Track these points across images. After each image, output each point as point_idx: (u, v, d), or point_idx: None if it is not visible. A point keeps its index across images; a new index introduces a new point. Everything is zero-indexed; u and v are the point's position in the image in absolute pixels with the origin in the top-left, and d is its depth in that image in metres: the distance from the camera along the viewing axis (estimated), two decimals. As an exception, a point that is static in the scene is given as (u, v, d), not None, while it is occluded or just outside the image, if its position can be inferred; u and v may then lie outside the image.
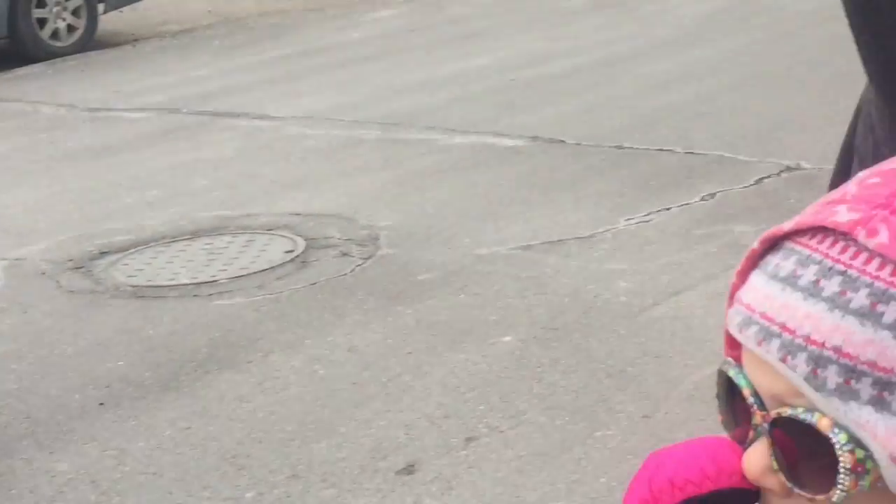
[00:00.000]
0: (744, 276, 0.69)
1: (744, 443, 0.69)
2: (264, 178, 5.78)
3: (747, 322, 0.67)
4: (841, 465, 0.62)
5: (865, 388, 0.62)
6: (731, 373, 0.70)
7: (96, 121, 7.18)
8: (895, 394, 0.62)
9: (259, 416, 3.56)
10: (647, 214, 4.85)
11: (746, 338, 0.67)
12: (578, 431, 3.18)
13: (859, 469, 0.62)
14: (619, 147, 5.83)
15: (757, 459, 0.68)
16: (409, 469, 3.11)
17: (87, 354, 3.95)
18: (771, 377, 0.66)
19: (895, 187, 0.65)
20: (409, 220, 5.04)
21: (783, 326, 0.64)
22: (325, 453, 3.24)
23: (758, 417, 0.67)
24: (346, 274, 4.40)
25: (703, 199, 5.02)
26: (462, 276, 4.41)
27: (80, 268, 4.77)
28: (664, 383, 3.42)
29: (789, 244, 0.66)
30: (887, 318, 0.61)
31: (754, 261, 0.69)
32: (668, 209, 4.86)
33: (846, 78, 6.86)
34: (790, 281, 0.64)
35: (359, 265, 4.49)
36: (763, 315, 0.65)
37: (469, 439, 3.23)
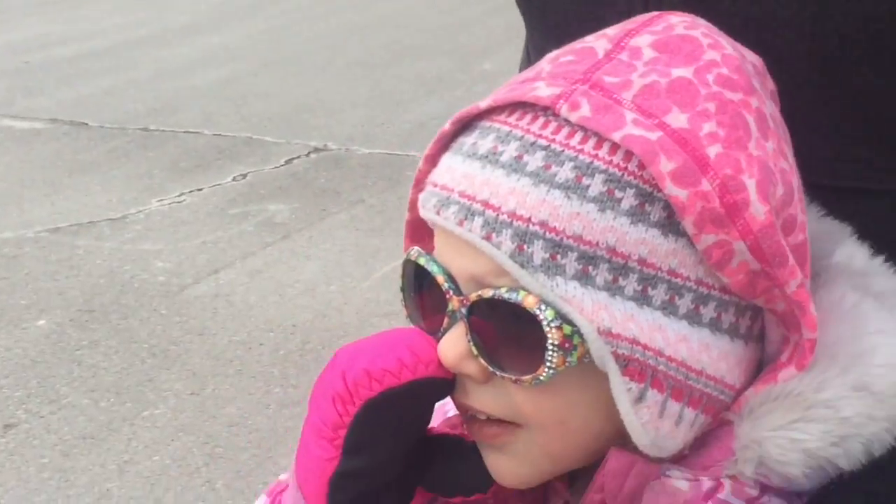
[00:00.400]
0: (433, 160, 0.66)
1: (436, 333, 0.66)
2: None
3: (445, 202, 0.63)
4: (549, 341, 0.60)
5: (571, 263, 0.60)
6: (422, 260, 0.66)
7: None
8: (599, 268, 0.60)
9: None
10: (180, 195, 4.87)
11: (445, 219, 0.63)
12: (125, 412, 3.12)
13: (567, 345, 0.60)
14: (146, 129, 5.80)
15: (453, 345, 0.64)
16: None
17: None
18: (471, 258, 0.63)
19: (590, 63, 0.63)
20: None
21: (486, 203, 0.61)
22: None
23: (455, 303, 0.63)
24: None
25: (234, 179, 5.14)
26: None
27: None
28: (210, 360, 3.44)
29: (486, 123, 0.64)
30: (592, 191, 0.60)
31: (445, 143, 0.66)
32: (200, 190, 4.92)
33: (364, 64, 7.23)
34: (491, 158, 0.62)
35: None
36: (462, 194, 0.62)
37: (7, 426, 3.05)
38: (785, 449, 0.64)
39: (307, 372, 3.26)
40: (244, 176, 5.24)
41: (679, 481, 0.65)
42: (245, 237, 4.39)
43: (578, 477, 0.72)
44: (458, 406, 0.70)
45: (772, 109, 0.67)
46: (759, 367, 0.67)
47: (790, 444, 0.64)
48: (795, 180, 0.66)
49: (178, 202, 4.88)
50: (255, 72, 7.22)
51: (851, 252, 0.71)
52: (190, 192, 4.98)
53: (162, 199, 4.88)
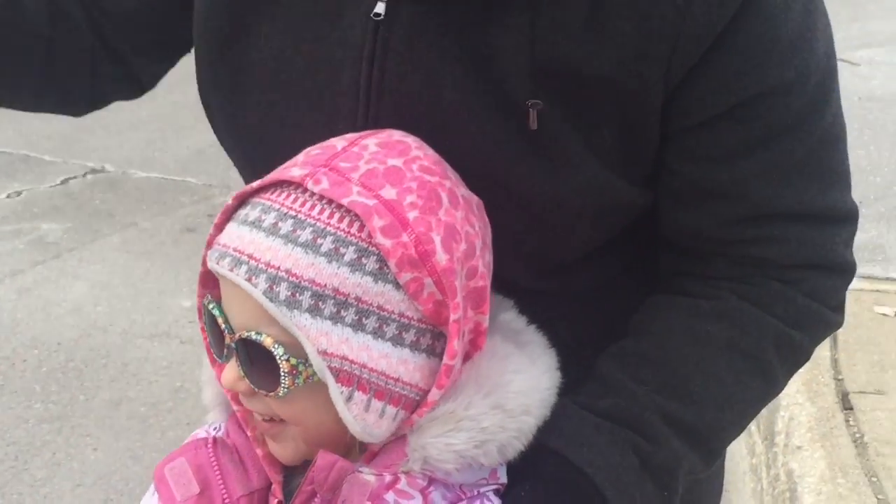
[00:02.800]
0: (220, 227, 0.83)
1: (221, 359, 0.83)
2: None
3: (223, 255, 0.79)
4: (281, 369, 0.77)
5: (306, 299, 0.76)
6: (210, 306, 0.82)
7: None
8: (326, 304, 0.76)
9: None
10: None
11: (221, 267, 0.79)
12: None
13: (294, 371, 0.77)
14: None
15: (229, 371, 0.81)
16: None
17: None
18: (241, 305, 0.79)
19: (331, 153, 0.80)
20: None
21: (250, 256, 0.77)
22: None
23: (228, 339, 0.80)
24: None
25: (8, 196, 5.06)
26: None
27: None
28: None
29: (256, 199, 0.81)
30: (324, 248, 0.76)
31: (228, 214, 0.82)
32: None
33: (154, 90, 7.27)
34: (256, 224, 0.78)
35: None
36: (235, 249, 0.78)
37: None
38: (441, 451, 0.80)
39: (68, 389, 3.24)
40: (19, 193, 5.14)
41: (368, 476, 0.81)
42: (16, 255, 4.32)
43: (295, 476, 0.88)
44: (244, 410, 0.88)
45: (465, 193, 0.83)
46: None
47: (445, 447, 0.80)
48: (478, 241, 0.83)
49: None
50: None
51: (511, 316, 0.90)
52: None
53: None
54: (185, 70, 1.22)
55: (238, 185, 0.96)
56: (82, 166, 5.47)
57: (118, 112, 7.00)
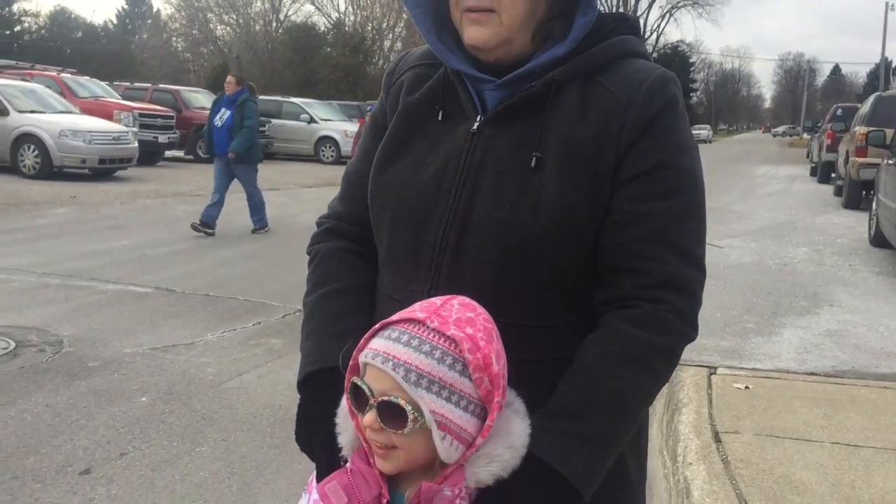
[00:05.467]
0: (368, 339, 1.13)
1: (362, 412, 1.12)
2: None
3: (374, 355, 1.10)
4: (408, 418, 1.08)
5: (423, 382, 1.07)
6: (357, 381, 1.11)
7: None
8: (433, 385, 1.08)
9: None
10: (224, 332, 6.09)
11: (374, 361, 1.09)
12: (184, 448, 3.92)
13: (415, 420, 1.08)
14: (207, 295, 7.26)
15: (369, 417, 1.11)
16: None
17: None
18: (381, 382, 1.09)
19: (435, 307, 1.14)
20: (82, 331, 6.03)
21: (393, 356, 1.09)
22: (34, 463, 3.82)
23: (371, 400, 1.09)
24: (42, 362, 5.29)
25: (254, 324, 6.44)
26: (115, 363, 5.32)
27: None
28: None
29: (394, 326, 1.12)
30: (435, 356, 1.08)
31: (375, 333, 1.14)
32: (234, 330, 6.18)
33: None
34: (396, 339, 1.10)
35: (51, 356, 5.42)
36: (383, 352, 1.10)
37: (123, 454, 3.95)
38: (485, 474, 1.14)
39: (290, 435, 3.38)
40: (259, 323, 6.39)
41: (447, 491, 1.12)
42: (258, 357, 5.45)
43: (401, 483, 1.19)
44: (367, 443, 1.16)
45: (496, 330, 1.18)
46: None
47: (486, 472, 1.14)
48: (503, 358, 1.16)
49: (223, 336, 5.95)
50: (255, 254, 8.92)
51: (511, 397, 1.20)
52: (232, 330, 6.11)
53: (215, 333, 5.98)
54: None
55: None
56: (295, 308, 6.78)
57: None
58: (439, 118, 1.36)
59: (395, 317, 1.15)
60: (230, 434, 4.33)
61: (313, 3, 43.30)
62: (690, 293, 1.27)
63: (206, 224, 10.59)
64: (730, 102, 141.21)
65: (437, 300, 1.18)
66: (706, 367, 5.36)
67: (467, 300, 1.19)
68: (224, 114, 10.84)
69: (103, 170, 16.82)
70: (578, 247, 1.29)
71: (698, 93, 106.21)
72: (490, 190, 1.28)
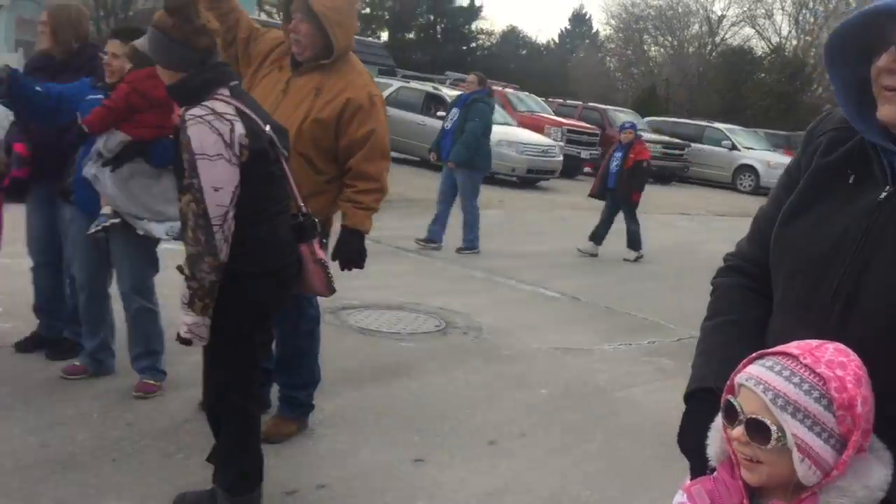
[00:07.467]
0: (744, 366, 1.26)
1: (733, 424, 1.24)
2: (430, 288, 7.56)
3: (748, 378, 1.22)
4: (772, 437, 1.19)
5: (790, 408, 1.18)
6: (731, 399, 1.23)
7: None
8: (798, 413, 1.18)
9: (453, 388, 4.83)
10: (620, 345, 6.43)
11: (748, 384, 1.21)
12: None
13: (778, 438, 1.19)
14: (607, 308, 7.62)
15: (737, 431, 1.23)
16: (492, 442, 4.14)
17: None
18: (752, 403, 1.21)
19: (811, 347, 1.24)
20: (498, 322, 6.72)
21: (766, 382, 1.20)
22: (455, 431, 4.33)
23: (741, 416, 1.21)
24: (465, 342, 6.02)
25: (649, 342, 6.69)
26: (523, 355, 5.86)
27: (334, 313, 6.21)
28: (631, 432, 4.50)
29: (770, 357, 1.24)
30: (804, 388, 1.19)
31: (750, 361, 1.26)
32: (629, 344, 6.50)
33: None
34: (770, 368, 1.22)
35: (472, 339, 6.16)
36: (758, 378, 1.22)
37: (522, 435, 4.35)
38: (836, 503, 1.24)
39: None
40: (653, 342, 6.66)
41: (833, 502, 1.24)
42: (648, 373, 5.68)
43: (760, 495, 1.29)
44: (738, 451, 1.28)
45: (866, 377, 1.25)
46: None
47: (838, 503, 1.24)
48: (870, 404, 1.23)
49: (617, 348, 6.27)
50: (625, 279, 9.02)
51: (878, 445, 1.28)
52: (625, 344, 6.44)
53: (611, 345, 6.32)
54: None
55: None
56: (690, 333, 6.71)
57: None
58: (850, 181, 1.40)
59: (771, 349, 1.30)
60: (614, 437, 4.58)
61: (753, 27, 42.09)
62: None
63: (430, 240, 9.67)
64: None
65: (813, 341, 1.29)
66: None
67: (843, 347, 1.28)
68: (454, 115, 9.84)
69: (529, 178, 18.12)
70: None
71: None
72: (891, 257, 1.32)
